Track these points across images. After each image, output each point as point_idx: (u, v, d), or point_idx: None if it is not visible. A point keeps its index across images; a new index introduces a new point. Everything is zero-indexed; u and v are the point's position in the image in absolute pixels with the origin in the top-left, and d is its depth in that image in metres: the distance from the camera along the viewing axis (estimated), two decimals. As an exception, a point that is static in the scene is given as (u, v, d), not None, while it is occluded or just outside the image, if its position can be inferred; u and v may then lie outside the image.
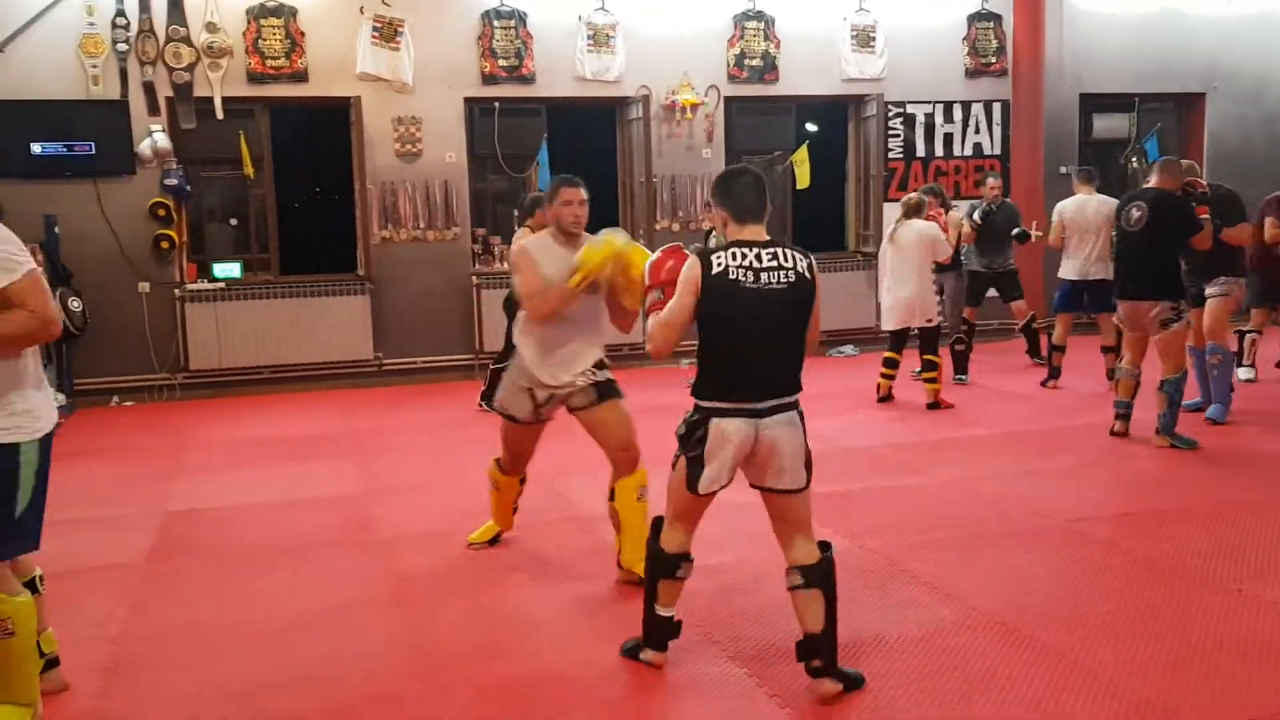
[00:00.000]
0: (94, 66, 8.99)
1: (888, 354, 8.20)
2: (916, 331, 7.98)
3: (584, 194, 4.40)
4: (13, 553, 3.14)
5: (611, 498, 4.47)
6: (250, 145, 9.47)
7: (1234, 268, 7.11)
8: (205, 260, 9.71)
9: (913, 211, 8.01)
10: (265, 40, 9.34)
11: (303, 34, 9.42)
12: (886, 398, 8.17)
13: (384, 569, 4.79)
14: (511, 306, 8.56)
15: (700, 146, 10.46)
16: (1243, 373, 8.21)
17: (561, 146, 10.35)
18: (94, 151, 8.99)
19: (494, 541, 4.98)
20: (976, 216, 8.87)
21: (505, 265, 10.05)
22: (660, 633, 3.60)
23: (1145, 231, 6.26)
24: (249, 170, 9.51)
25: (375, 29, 9.49)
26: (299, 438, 7.67)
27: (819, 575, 3.37)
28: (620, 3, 10.09)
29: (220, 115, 9.27)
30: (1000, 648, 3.70)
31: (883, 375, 8.20)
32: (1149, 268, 6.31)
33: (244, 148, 9.40)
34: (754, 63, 10.51)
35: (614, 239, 4.19)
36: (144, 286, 9.28)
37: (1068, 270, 8.35)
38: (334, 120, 9.96)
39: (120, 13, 8.99)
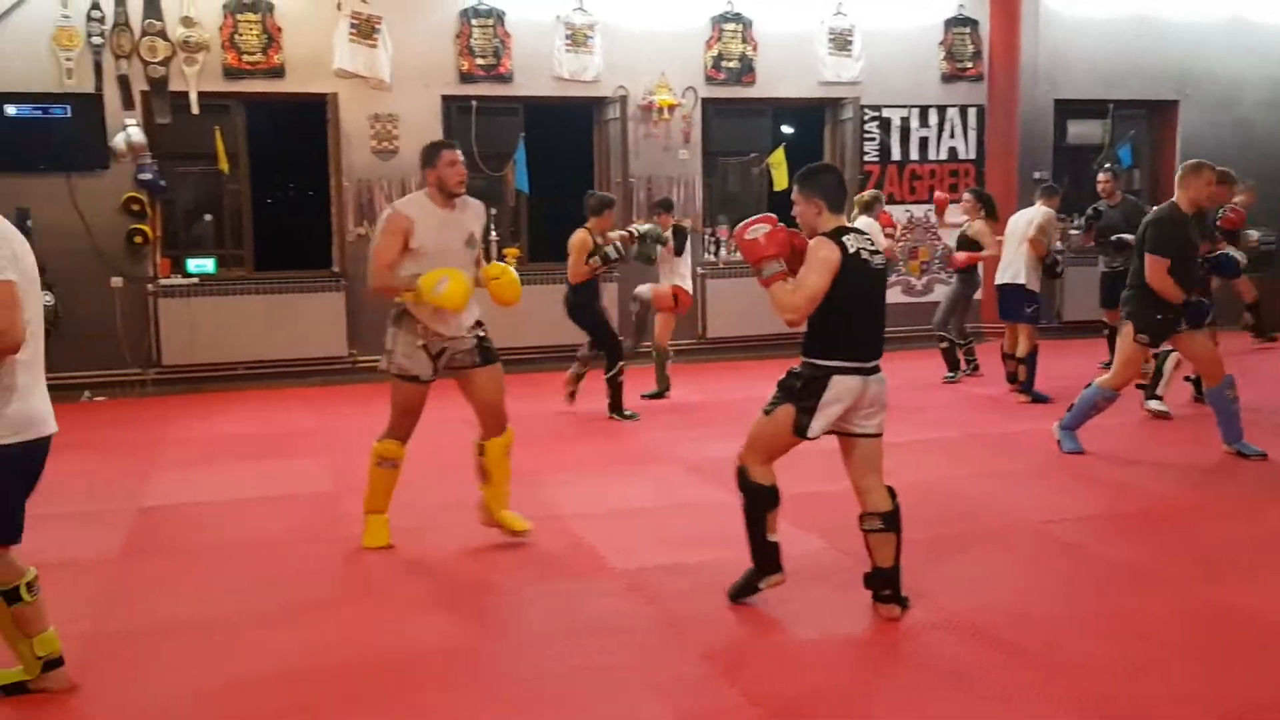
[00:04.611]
0: (68, 60, 8.92)
1: None
2: None
3: (460, 154, 4.80)
4: None
5: (480, 453, 4.90)
6: (226, 140, 9.42)
7: None
8: (179, 255, 9.65)
9: (865, 208, 8.63)
10: (242, 35, 9.30)
11: (279, 29, 9.38)
12: None
13: (355, 566, 4.79)
14: (575, 303, 7.79)
15: (677, 147, 10.48)
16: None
17: (538, 145, 10.36)
18: (69, 115, 8.89)
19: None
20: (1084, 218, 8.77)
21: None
22: (776, 557, 4.07)
23: None
24: (224, 166, 9.46)
25: (353, 25, 9.45)
26: (272, 434, 7.64)
27: (894, 520, 3.98)
28: (599, 3, 10.11)
29: (196, 110, 9.21)
30: (969, 647, 3.75)
31: None
32: None
33: (219, 143, 9.34)
34: (731, 64, 10.55)
35: (462, 286, 4.57)
36: (117, 281, 9.22)
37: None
38: (311, 116, 9.92)
39: (95, 5, 8.93)
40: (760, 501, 4.02)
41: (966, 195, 9.13)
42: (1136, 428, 7.25)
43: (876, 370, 3.94)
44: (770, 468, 4.02)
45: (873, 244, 3.93)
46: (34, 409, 3.20)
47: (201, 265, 9.58)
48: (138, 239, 9.21)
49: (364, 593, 4.49)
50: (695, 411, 8.16)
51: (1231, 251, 6.52)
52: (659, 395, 8.56)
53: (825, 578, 4.36)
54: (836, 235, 3.83)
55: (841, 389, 3.84)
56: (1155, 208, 6.67)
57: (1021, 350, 8.32)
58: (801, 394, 3.88)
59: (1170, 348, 7.70)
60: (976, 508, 5.49)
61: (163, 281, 9.35)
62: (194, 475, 6.52)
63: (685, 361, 10.18)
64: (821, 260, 3.79)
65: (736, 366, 10.23)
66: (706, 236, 10.76)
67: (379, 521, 4.95)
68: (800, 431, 3.89)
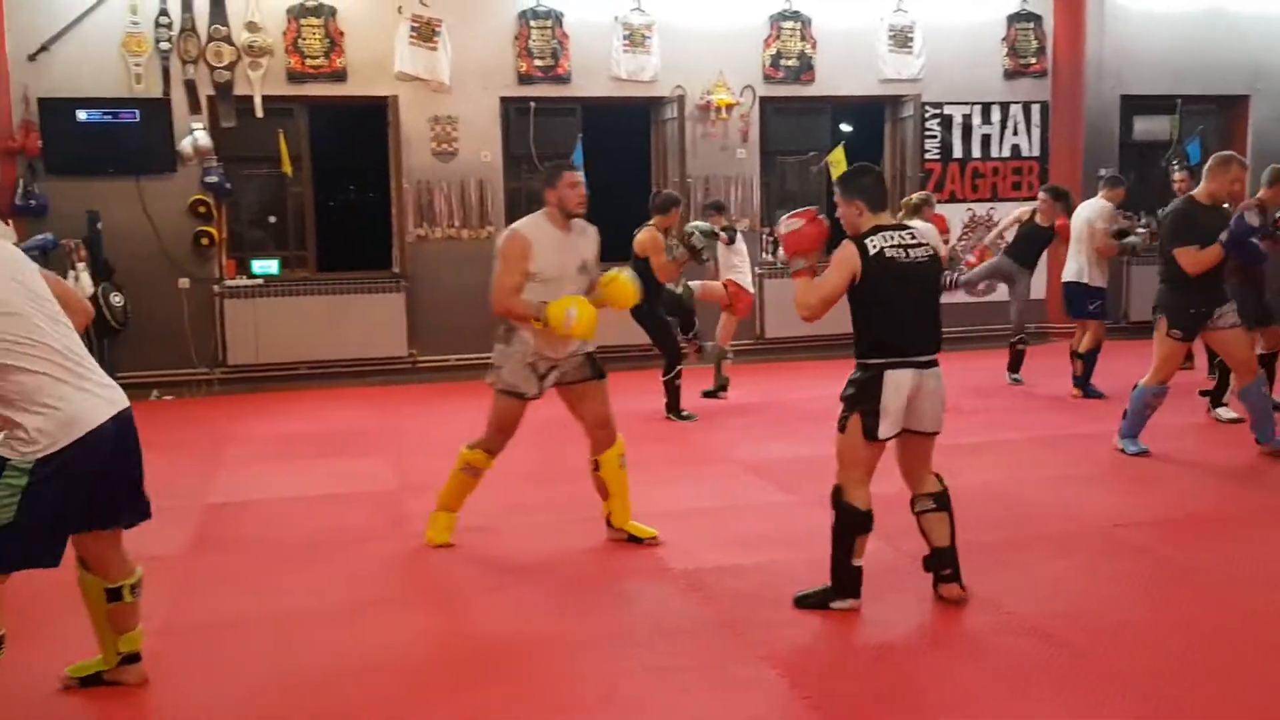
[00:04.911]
0: (137, 65, 9.12)
1: None
2: None
3: (582, 175, 4.84)
4: None
5: (596, 469, 4.91)
6: (289, 143, 9.56)
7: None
8: (244, 257, 9.82)
9: (913, 212, 8.45)
10: (305, 40, 9.44)
11: (342, 34, 9.51)
12: None
13: (419, 564, 4.83)
14: (637, 309, 7.71)
15: (735, 146, 10.45)
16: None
17: (596, 146, 10.38)
18: (138, 120, 9.11)
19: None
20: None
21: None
22: (857, 582, 4.02)
23: None
24: (287, 168, 9.61)
25: (413, 29, 9.56)
26: (335, 433, 7.74)
27: (945, 499, 4.07)
28: (656, 3, 10.11)
29: (260, 114, 9.37)
30: (1035, 652, 3.69)
31: None
32: None
33: (283, 146, 9.49)
34: (790, 63, 10.49)
35: (590, 314, 4.60)
36: (184, 282, 9.41)
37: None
38: (372, 119, 10.04)
39: (163, 12, 9.12)
40: (850, 524, 3.97)
41: (1042, 195, 8.89)
42: (1199, 429, 7.09)
43: (932, 365, 3.95)
44: (867, 490, 3.97)
45: (913, 238, 3.98)
46: (73, 411, 3.16)
47: (265, 266, 9.74)
48: (204, 241, 9.39)
49: (428, 590, 4.53)
50: (753, 412, 8.13)
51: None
52: (715, 394, 8.54)
53: (884, 579, 4.31)
54: (862, 237, 3.92)
55: (897, 384, 3.87)
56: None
57: (1084, 345, 8.20)
58: (860, 398, 3.91)
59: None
60: (1041, 510, 5.40)
61: (228, 282, 9.52)
62: (259, 472, 6.64)
63: (743, 362, 10.13)
64: (839, 262, 3.93)
65: (795, 367, 10.16)
66: (765, 236, 10.70)
67: (447, 518, 4.98)
68: (870, 434, 3.89)
